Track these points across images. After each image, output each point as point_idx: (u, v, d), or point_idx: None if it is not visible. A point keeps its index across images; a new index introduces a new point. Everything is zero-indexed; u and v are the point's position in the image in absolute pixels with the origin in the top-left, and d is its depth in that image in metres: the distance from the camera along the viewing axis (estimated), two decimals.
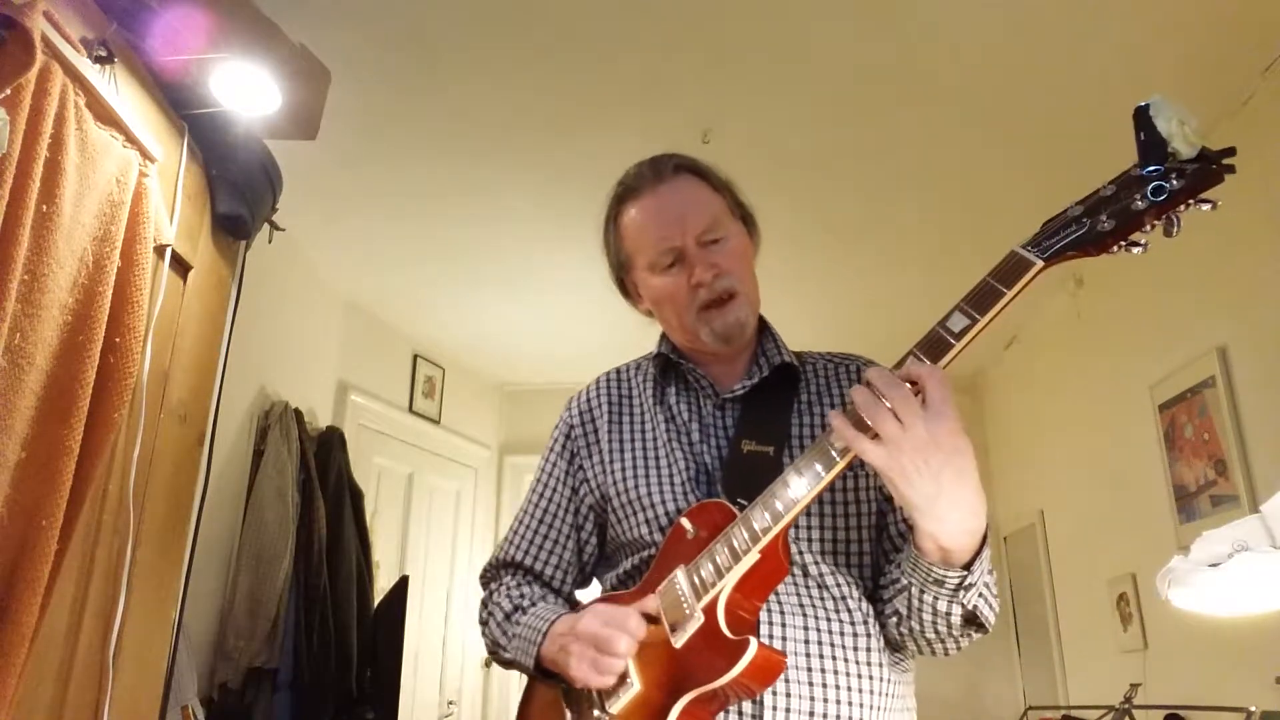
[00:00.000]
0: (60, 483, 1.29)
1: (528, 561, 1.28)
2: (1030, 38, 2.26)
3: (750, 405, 1.20)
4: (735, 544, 1.00)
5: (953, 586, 0.96)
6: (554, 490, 1.29)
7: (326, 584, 2.97)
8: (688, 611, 1.01)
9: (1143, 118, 0.87)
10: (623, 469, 1.21)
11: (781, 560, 1.02)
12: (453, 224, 3.27)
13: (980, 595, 0.99)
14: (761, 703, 1.02)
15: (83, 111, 1.41)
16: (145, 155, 1.57)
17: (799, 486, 0.97)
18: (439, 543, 4.34)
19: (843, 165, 2.84)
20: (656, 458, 1.20)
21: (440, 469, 4.42)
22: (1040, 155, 2.72)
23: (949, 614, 0.99)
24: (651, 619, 1.05)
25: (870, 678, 1.06)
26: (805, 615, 1.06)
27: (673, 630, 1.02)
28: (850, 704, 1.03)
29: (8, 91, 1.20)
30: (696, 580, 1.02)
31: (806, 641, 1.05)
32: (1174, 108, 0.85)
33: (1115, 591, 3.16)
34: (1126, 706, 2.49)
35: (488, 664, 4.51)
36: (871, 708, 1.05)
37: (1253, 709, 2.09)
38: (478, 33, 2.30)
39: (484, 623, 1.27)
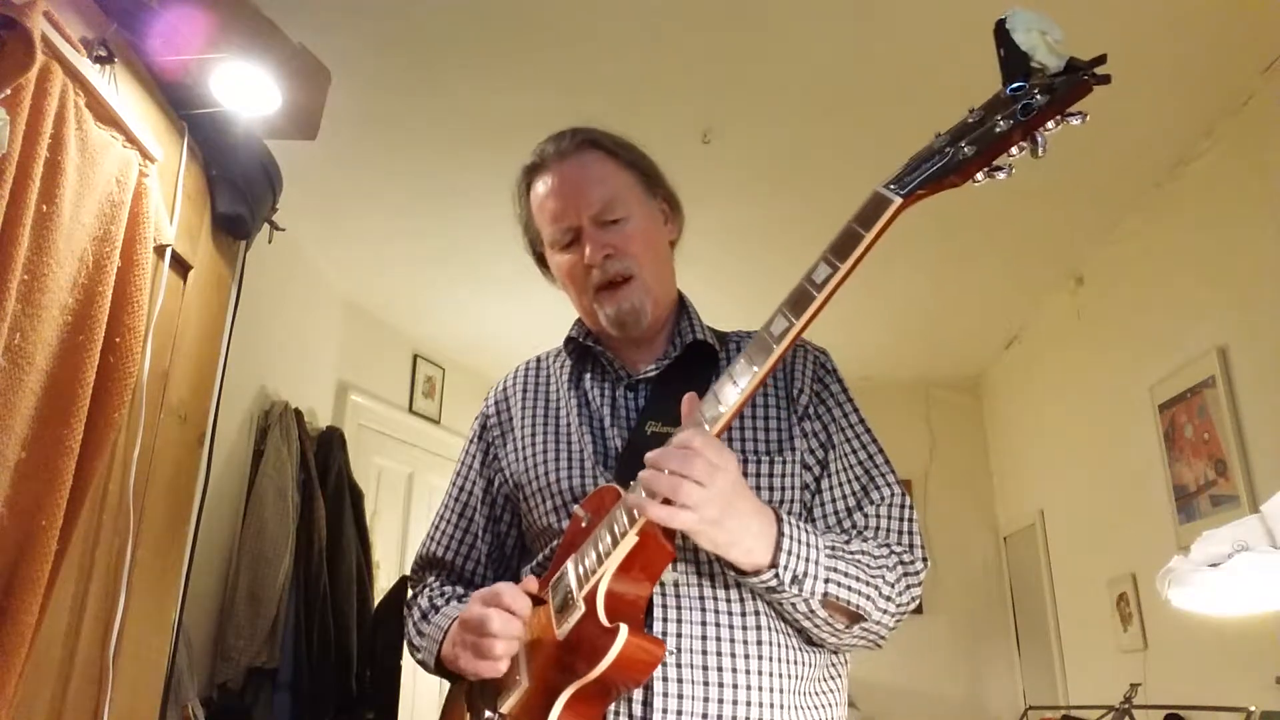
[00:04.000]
0: (60, 483, 1.29)
1: (447, 557, 1.26)
2: None
3: (661, 386, 1.15)
4: (615, 528, 0.95)
5: (780, 586, 0.95)
6: (471, 483, 1.27)
7: (326, 584, 2.97)
8: (572, 602, 0.97)
9: (1002, 33, 0.80)
10: (533, 454, 1.17)
11: (663, 542, 0.96)
12: (453, 224, 3.27)
13: (828, 582, 0.96)
14: (650, 705, 0.97)
15: (83, 111, 1.41)
16: (145, 155, 1.56)
17: None
18: None
19: (842, 165, 2.84)
20: (568, 442, 1.16)
21: (440, 469, 4.41)
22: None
23: (811, 612, 0.98)
24: (537, 599, 1.02)
25: (774, 675, 1.01)
26: (704, 610, 1.01)
27: (559, 623, 0.98)
28: (749, 703, 0.99)
29: (8, 91, 1.20)
30: (581, 570, 0.98)
31: (704, 638, 1.00)
32: (1034, 18, 0.79)
33: (1115, 591, 3.16)
34: (1126, 706, 2.49)
35: None
36: (773, 706, 1.00)
37: (1253, 709, 2.09)
38: (477, 33, 2.30)
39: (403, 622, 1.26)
